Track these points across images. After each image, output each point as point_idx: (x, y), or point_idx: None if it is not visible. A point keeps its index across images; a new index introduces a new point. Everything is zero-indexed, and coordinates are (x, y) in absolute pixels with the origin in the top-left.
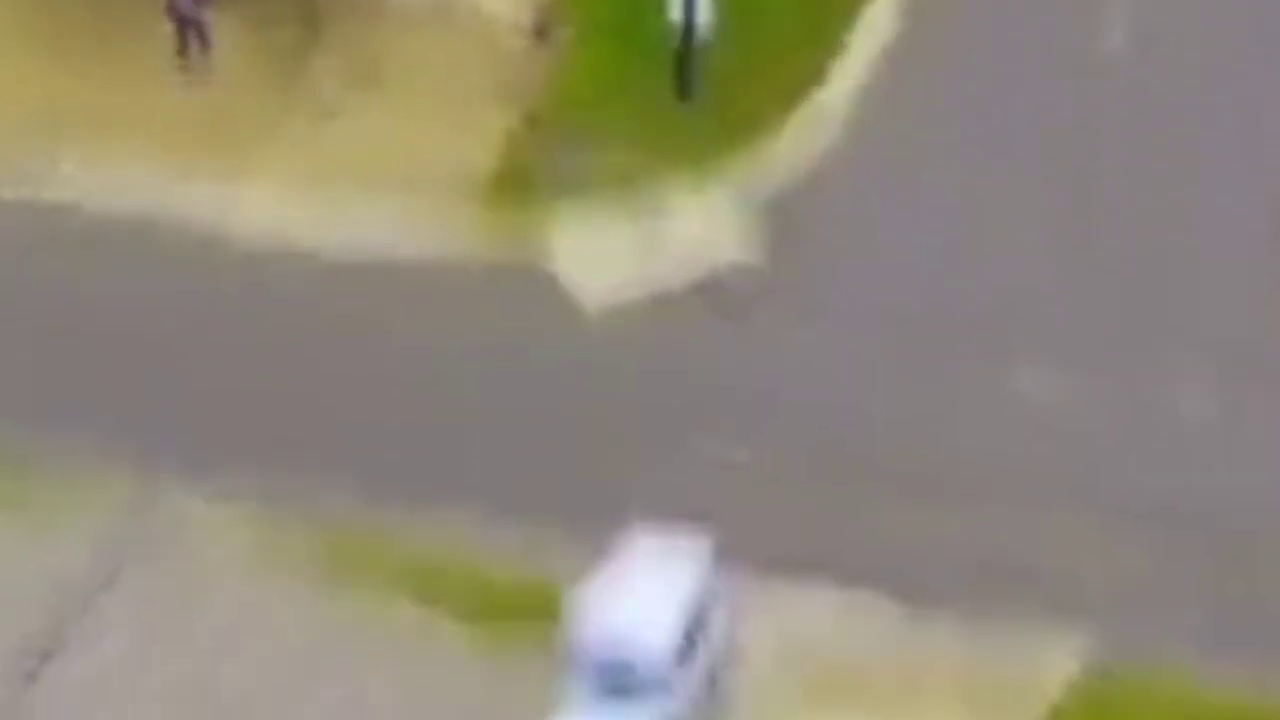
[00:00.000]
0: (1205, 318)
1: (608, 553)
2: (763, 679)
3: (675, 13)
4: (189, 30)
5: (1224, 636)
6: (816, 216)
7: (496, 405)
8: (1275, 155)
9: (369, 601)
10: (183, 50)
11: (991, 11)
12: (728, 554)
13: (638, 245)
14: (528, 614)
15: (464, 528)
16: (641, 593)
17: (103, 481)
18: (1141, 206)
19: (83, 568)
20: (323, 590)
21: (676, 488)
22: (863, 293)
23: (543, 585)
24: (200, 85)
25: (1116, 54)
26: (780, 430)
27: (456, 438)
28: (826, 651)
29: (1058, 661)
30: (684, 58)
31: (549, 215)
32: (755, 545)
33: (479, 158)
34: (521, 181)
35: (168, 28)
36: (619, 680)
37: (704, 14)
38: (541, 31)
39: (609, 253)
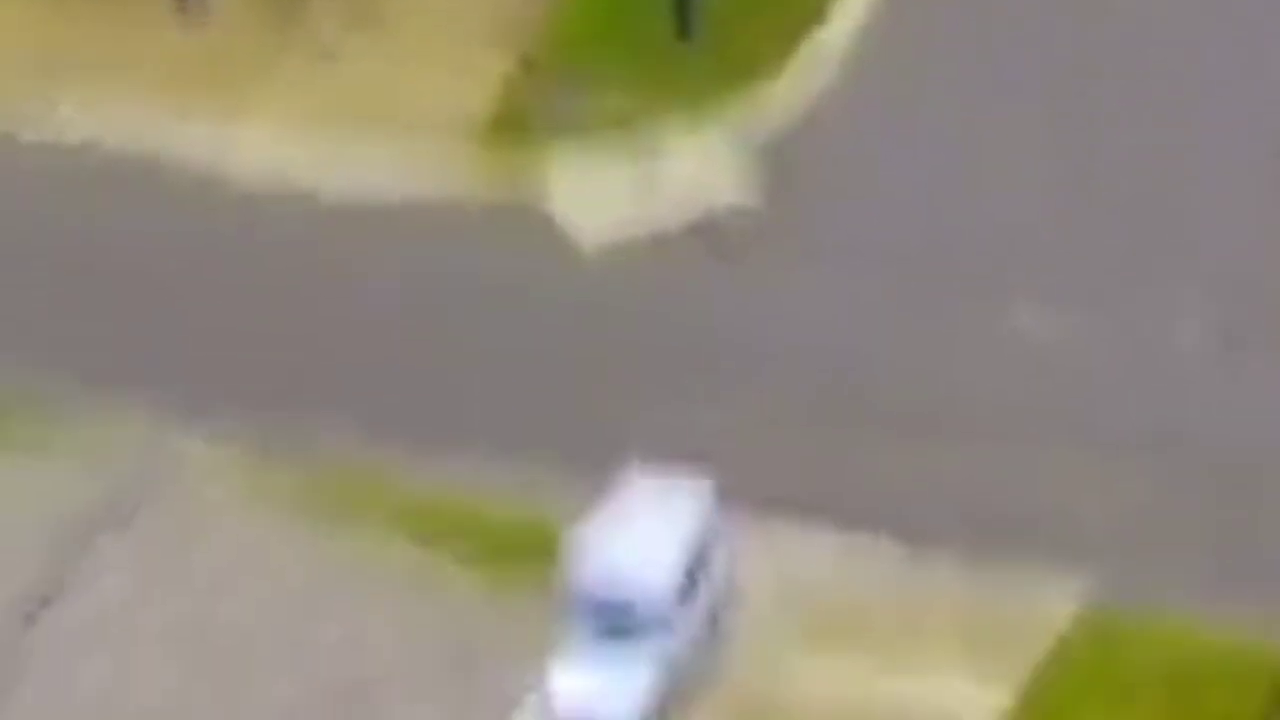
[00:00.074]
0: (1205, 252)
1: (607, 492)
2: (763, 619)
3: None
4: None
5: (1225, 574)
6: (814, 157)
7: (494, 346)
8: (1275, 90)
9: (368, 542)
10: None
11: None
12: (727, 495)
13: (635, 186)
14: (527, 554)
15: (463, 468)
16: (641, 532)
17: (100, 423)
18: (1141, 142)
19: (82, 508)
20: (321, 531)
21: (675, 428)
22: (861, 233)
23: (541, 525)
24: (198, 27)
25: None
26: (778, 371)
27: (454, 378)
28: (826, 592)
29: (1058, 602)
30: None
31: (546, 157)
32: (754, 486)
33: (476, 100)
34: (519, 123)
35: None
36: (619, 620)
37: None
38: None
39: (606, 194)
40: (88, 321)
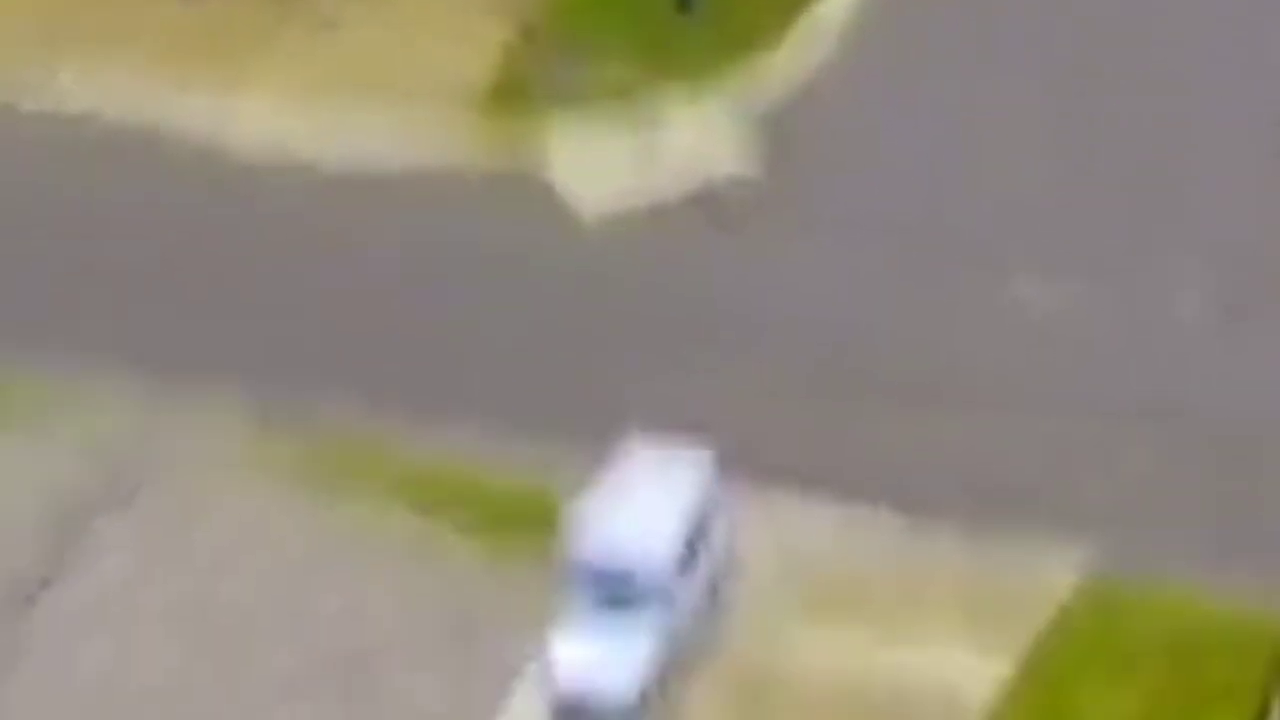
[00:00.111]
0: (1205, 223)
1: (607, 463)
2: (763, 590)
3: None
4: None
5: (1226, 544)
6: (814, 128)
7: (494, 315)
8: (1275, 61)
9: (368, 512)
10: None
11: None
12: (727, 465)
13: (635, 156)
14: (527, 524)
15: (462, 438)
16: (641, 503)
17: (100, 398)
18: (1141, 113)
19: (81, 486)
20: (321, 501)
21: (675, 399)
22: (861, 204)
23: (541, 495)
24: None
25: None
26: (778, 341)
27: (454, 347)
28: (826, 563)
29: (1058, 572)
30: None
31: (546, 126)
32: (754, 457)
33: (476, 69)
34: (519, 92)
35: None
36: (618, 590)
37: None
38: None
39: (606, 163)
40: (87, 294)
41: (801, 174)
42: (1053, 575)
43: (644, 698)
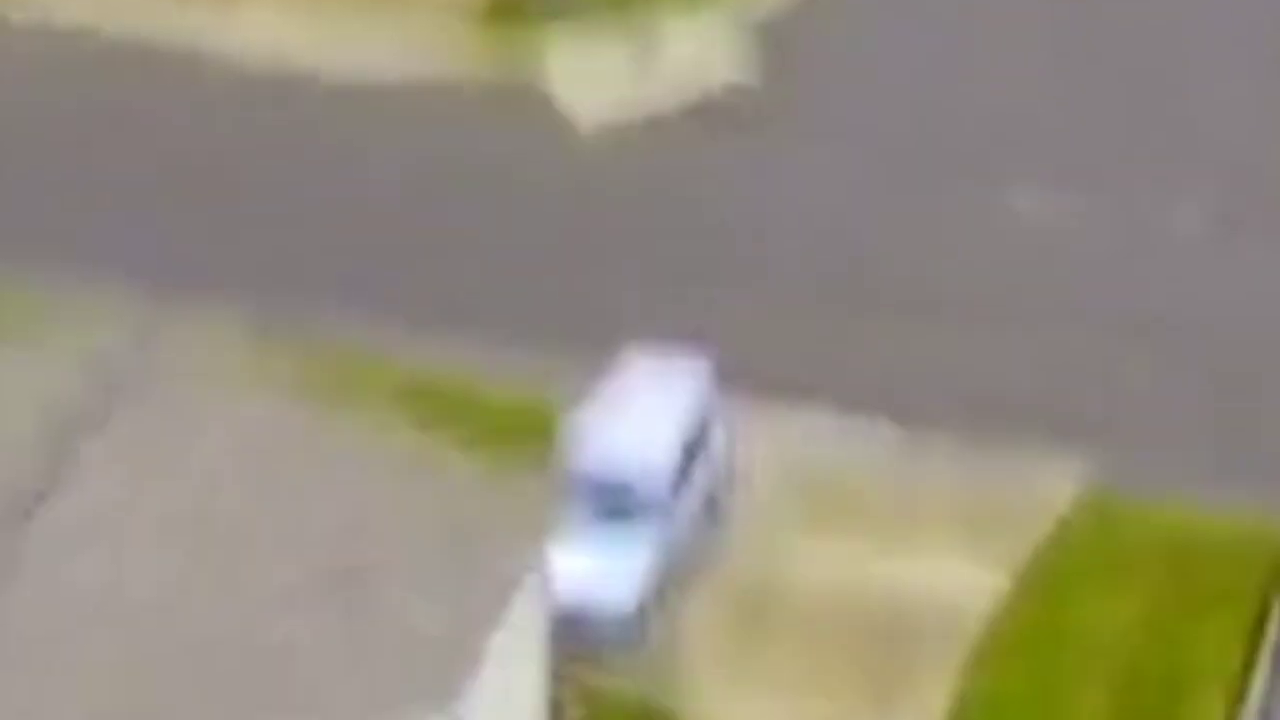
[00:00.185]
0: (1204, 135)
1: (605, 375)
2: (761, 502)
3: None
4: None
5: (1224, 457)
6: (812, 37)
7: (492, 226)
8: None
9: (366, 425)
10: None
11: None
12: (725, 377)
13: (632, 67)
14: (525, 437)
15: (462, 351)
16: (639, 414)
17: (95, 310)
18: (1141, 24)
19: (77, 396)
20: (319, 415)
21: (673, 310)
22: (859, 114)
23: (540, 408)
24: None
25: None
26: (775, 253)
27: (454, 260)
28: (824, 475)
29: (1056, 484)
30: None
31: (544, 38)
32: (753, 368)
33: None
34: (517, 4)
35: None
36: (617, 502)
37: None
38: None
39: (604, 75)
40: (79, 206)
41: (799, 84)
42: (1051, 487)
43: (642, 609)
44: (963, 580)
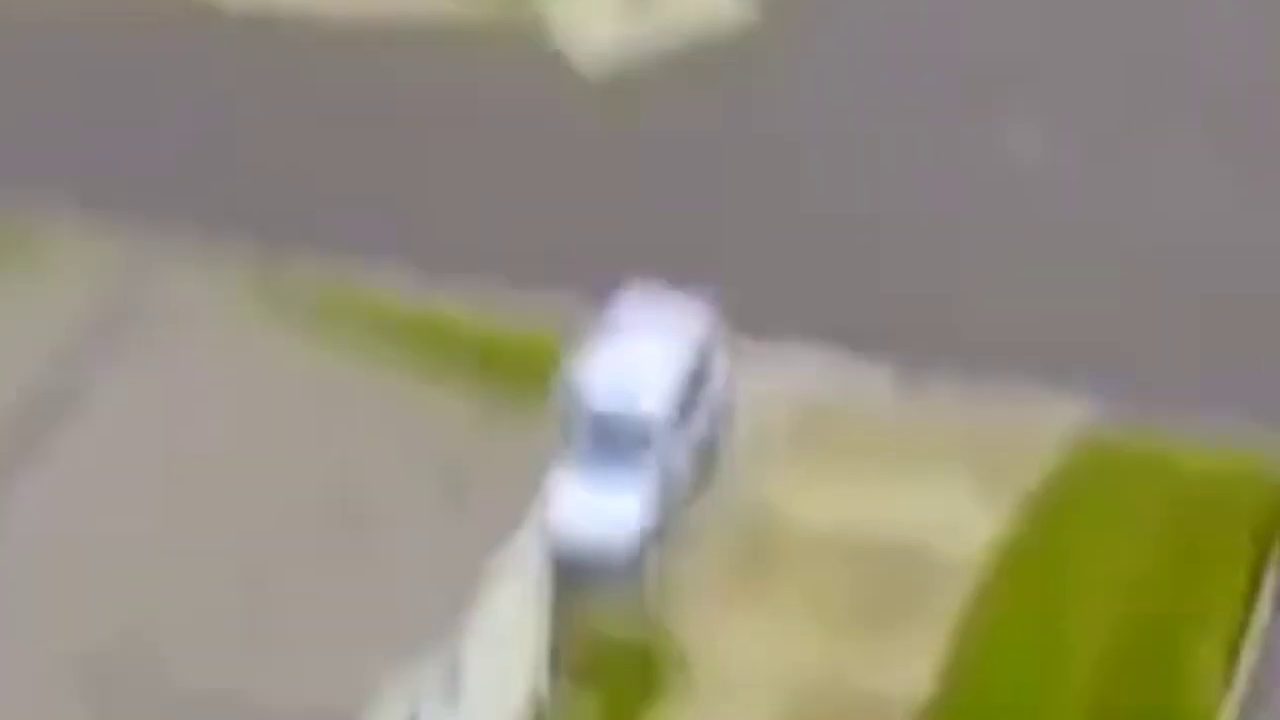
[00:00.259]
0: (1200, 71)
1: (606, 312)
2: (761, 439)
3: None
4: None
5: (1222, 396)
6: None
7: (493, 165)
8: None
9: (367, 359)
10: None
11: None
12: (727, 315)
13: (632, 4)
14: (527, 373)
15: (462, 288)
16: (640, 351)
17: (94, 241)
18: None
19: (72, 329)
20: (320, 347)
21: (674, 248)
22: (857, 50)
23: (541, 344)
24: None
25: None
26: (777, 190)
27: (455, 198)
28: (826, 413)
29: (1056, 422)
30: None
31: None
32: (754, 306)
33: None
34: None
35: None
36: (618, 439)
37: None
38: None
39: (604, 13)
40: (83, 141)
41: (800, 19)
42: (1051, 426)
43: (643, 547)
44: (964, 516)
